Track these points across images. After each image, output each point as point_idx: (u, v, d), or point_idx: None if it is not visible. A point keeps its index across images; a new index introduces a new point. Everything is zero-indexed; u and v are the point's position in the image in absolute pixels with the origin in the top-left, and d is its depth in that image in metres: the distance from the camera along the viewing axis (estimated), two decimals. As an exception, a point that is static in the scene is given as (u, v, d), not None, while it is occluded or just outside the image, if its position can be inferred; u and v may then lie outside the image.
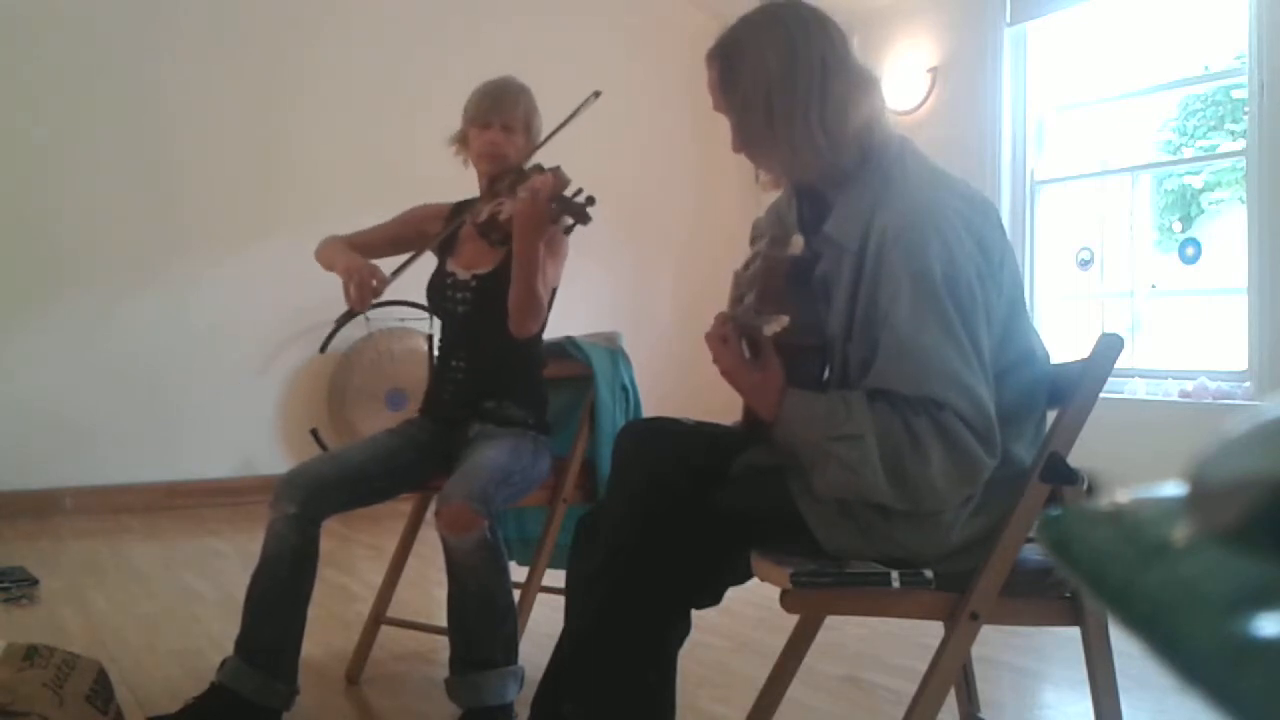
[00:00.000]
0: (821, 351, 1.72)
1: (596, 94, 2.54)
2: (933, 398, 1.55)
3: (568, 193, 2.30)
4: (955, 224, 1.61)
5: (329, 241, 2.56)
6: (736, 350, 1.69)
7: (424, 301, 2.66)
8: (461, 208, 2.62)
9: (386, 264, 2.49)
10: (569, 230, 2.30)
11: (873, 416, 1.57)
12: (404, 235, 2.64)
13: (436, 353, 2.66)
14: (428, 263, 2.61)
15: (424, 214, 2.67)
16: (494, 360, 2.48)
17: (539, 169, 2.46)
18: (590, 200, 2.25)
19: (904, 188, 1.65)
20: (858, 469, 1.57)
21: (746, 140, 1.74)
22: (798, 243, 1.73)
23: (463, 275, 2.54)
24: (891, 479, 1.56)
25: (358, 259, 2.42)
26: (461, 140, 2.58)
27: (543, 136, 2.58)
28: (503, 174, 2.49)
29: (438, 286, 2.58)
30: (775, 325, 1.61)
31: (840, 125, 1.67)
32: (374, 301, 2.38)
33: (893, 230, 1.61)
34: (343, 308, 2.46)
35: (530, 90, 2.60)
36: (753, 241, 1.91)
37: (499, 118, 2.51)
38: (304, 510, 2.26)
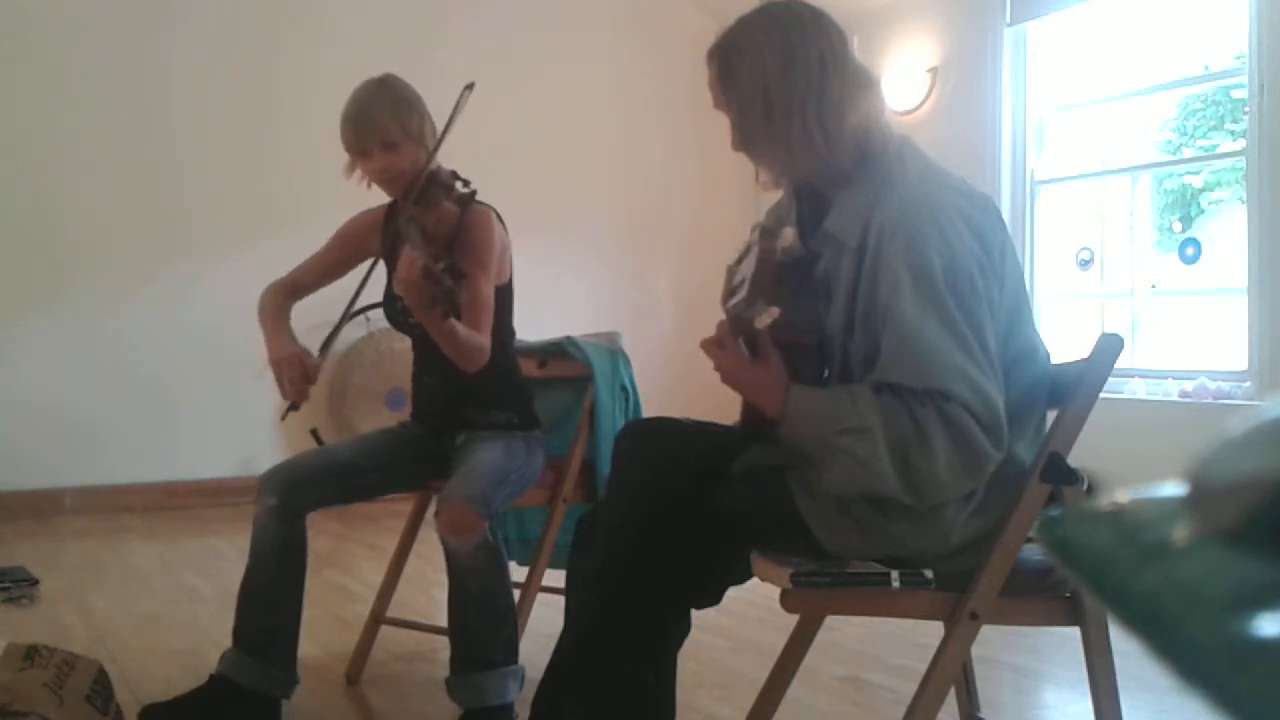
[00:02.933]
0: (820, 349, 1.72)
1: (469, 87, 2.33)
2: (939, 389, 1.55)
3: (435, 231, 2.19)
4: (954, 218, 1.61)
5: (266, 297, 2.45)
6: (734, 351, 1.69)
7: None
8: (394, 212, 2.47)
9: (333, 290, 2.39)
10: (444, 317, 2.05)
11: (879, 408, 1.57)
12: (345, 256, 2.53)
13: (413, 364, 2.57)
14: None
15: (359, 226, 2.54)
16: (463, 372, 2.34)
17: (431, 186, 2.31)
18: (457, 275, 1.99)
19: (903, 184, 1.66)
20: (866, 462, 1.56)
21: (745, 138, 1.75)
22: (788, 235, 1.73)
23: None
24: (899, 471, 1.56)
25: (285, 344, 2.32)
26: (355, 168, 2.41)
27: (429, 127, 2.39)
28: (409, 187, 2.33)
29: (390, 307, 2.49)
30: (767, 317, 1.61)
31: (838, 124, 1.67)
32: (311, 389, 2.27)
33: (891, 225, 1.61)
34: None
35: (394, 84, 2.38)
36: (752, 243, 1.91)
37: (372, 140, 2.32)
38: (285, 501, 2.27)
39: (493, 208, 2.44)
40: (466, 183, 2.32)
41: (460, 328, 2.18)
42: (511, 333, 2.54)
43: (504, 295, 2.46)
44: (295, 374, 2.26)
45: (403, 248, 2.13)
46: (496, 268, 2.39)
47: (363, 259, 2.53)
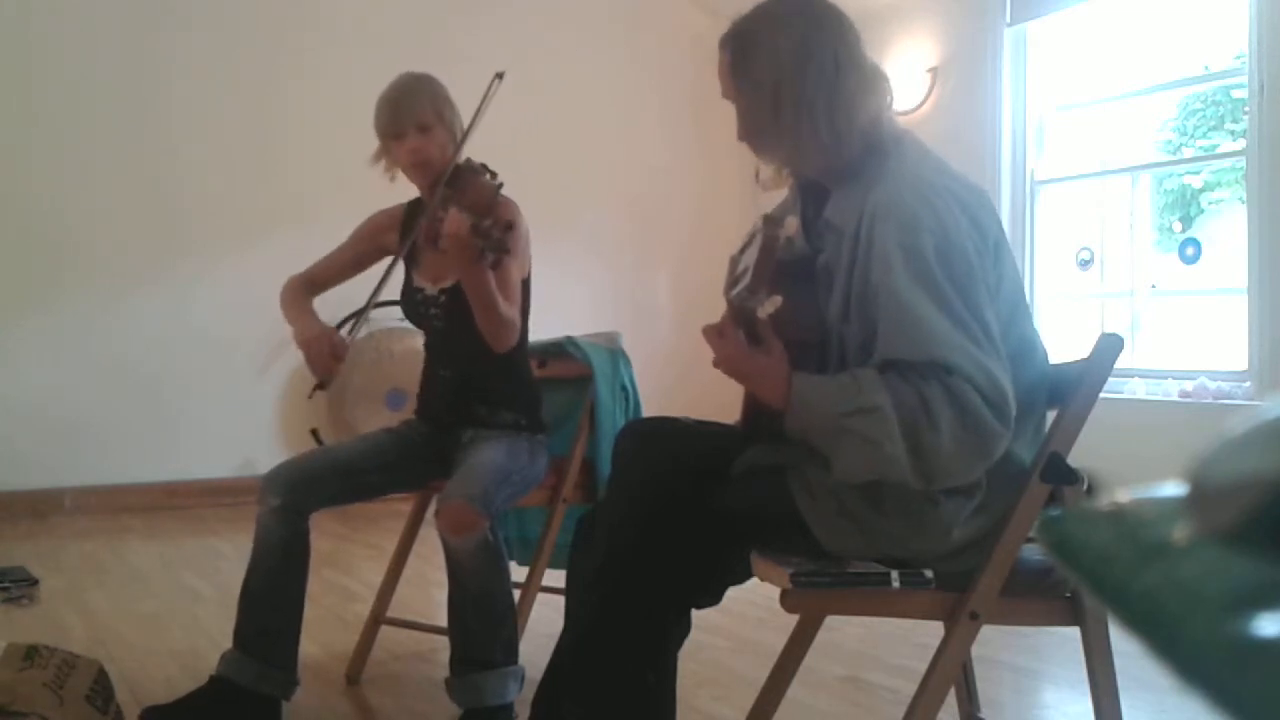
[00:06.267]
0: (823, 347, 1.71)
1: (499, 75, 2.40)
2: (941, 362, 1.52)
3: (483, 188, 2.27)
4: (949, 201, 1.60)
5: (286, 290, 2.51)
6: (735, 340, 1.67)
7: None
8: (414, 210, 2.54)
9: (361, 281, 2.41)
10: (495, 265, 2.18)
11: (886, 387, 1.54)
12: (364, 253, 2.57)
13: (425, 358, 2.61)
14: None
15: (378, 225, 2.59)
16: (479, 367, 2.43)
17: (463, 171, 2.36)
18: (504, 226, 2.13)
19: (899, 169, 1.65)
20: (877, 442, 1.53)
21: (751, 129, 1.74)
22: (791, 223, 1.72)
23: (431, 290, 2.48)
24: (910, 450, 1.52)
25: (312, 324, 2.37)
26: (385, 154, 2.46)
27: (459, 122, 2.46)
28: (439, 177, 2.39)
29: (410, 301, 2.53)
30: (770, 306, 1.60)
31: (847, 123, 1.67)
32: (339, 367, 2.32)
33: (884, 207, 1.60)
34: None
35: (432, 78, 2.46)
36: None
37: (410, 122, 2.39)
38: (288, 502, 2.27)
39: (514, 202, 2.46)
40: (494, 174, 2.36)
41: (500, 297, 2.24)
42: (526, 332, 2.54)
43: (524, 290, 2.47)
44: (324, 352, 2.30)
45: (424, 241, 2.23)
46: (520, 261, 2.42)
47: (380, 257, 2.57)
